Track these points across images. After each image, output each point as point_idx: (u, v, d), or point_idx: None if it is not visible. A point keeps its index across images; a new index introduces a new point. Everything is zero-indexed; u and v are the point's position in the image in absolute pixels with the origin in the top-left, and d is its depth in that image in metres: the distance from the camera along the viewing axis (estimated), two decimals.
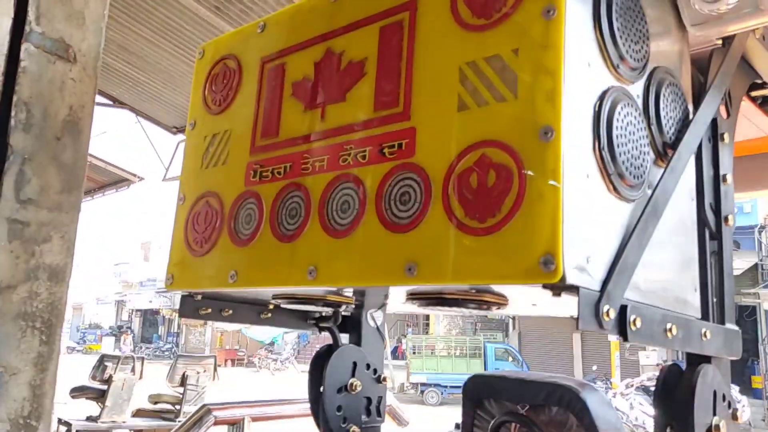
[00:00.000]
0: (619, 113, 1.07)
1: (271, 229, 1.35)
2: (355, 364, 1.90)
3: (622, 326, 0.99)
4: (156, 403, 7.55)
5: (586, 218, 0.97)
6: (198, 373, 7.29)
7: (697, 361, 1.29)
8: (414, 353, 19.99)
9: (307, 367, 2.00)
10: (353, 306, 2.10)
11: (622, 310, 0.99)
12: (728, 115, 1.48)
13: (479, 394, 1.93)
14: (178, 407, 7.25)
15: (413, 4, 1.20)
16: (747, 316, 19.07)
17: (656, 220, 1.10)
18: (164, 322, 40.17)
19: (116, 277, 47.90)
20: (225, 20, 5.73)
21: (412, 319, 31.31)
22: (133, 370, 6.94)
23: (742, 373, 19.27)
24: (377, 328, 2.18)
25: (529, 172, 0.95)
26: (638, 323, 1.01)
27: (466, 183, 1.03)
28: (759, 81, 1.64)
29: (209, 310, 1.76)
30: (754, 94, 1.83)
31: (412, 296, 1.25)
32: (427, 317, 29.18)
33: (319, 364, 1.85)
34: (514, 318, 25.48)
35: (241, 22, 5.64)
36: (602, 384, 17.78)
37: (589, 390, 1.73)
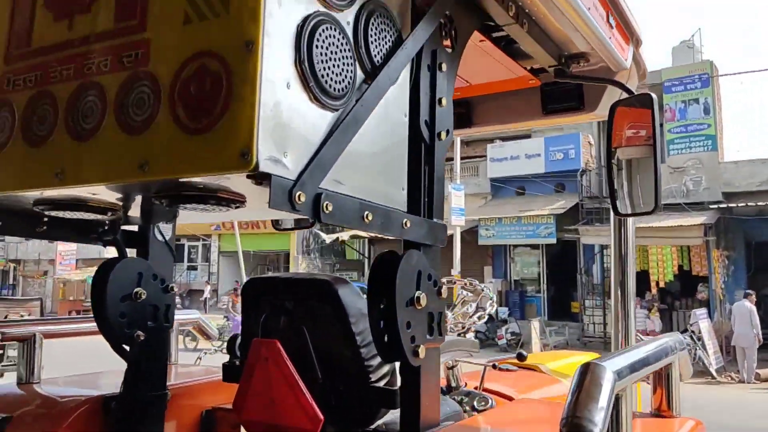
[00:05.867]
0: (321, 34, 1.22)
1: (22, 136, 1.39)
2: (141, 274, 1.99)
3: (315, 210, 1.19)
4: None
5: (286, 120, 1.13)
6: (21, 315, 6.89)
7: (408, 247, 1.52)
8: None
9: None
10: (139, 222, 2.17)
11: (317, 197, 1.19)
12: (453, 48, 1.74)
13: (255, 295, 2.12)
14: (1, 352, 6.86)
15: None
16: (569, 250, 21.37)
17: (356, 127, 1.29)
18: None
19: None
20: None
21: (274, 263, 31.57)
22: None
23: (563, 301, 21.71)
24: (166, 242, 2.29)
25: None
26: (330, 208, 1.22)
27: (187, 89, 1.17)
28: (492, 23, 1.91)
29: None
30: (496, 35, 2.12)
31: (157, 195, 1.34)
32: (288, 260, 29.47)
33: (104, 274, 1.90)
34: (370, 258, 26.43)
35: None
36: None
37: (342, 283, 1.96)
